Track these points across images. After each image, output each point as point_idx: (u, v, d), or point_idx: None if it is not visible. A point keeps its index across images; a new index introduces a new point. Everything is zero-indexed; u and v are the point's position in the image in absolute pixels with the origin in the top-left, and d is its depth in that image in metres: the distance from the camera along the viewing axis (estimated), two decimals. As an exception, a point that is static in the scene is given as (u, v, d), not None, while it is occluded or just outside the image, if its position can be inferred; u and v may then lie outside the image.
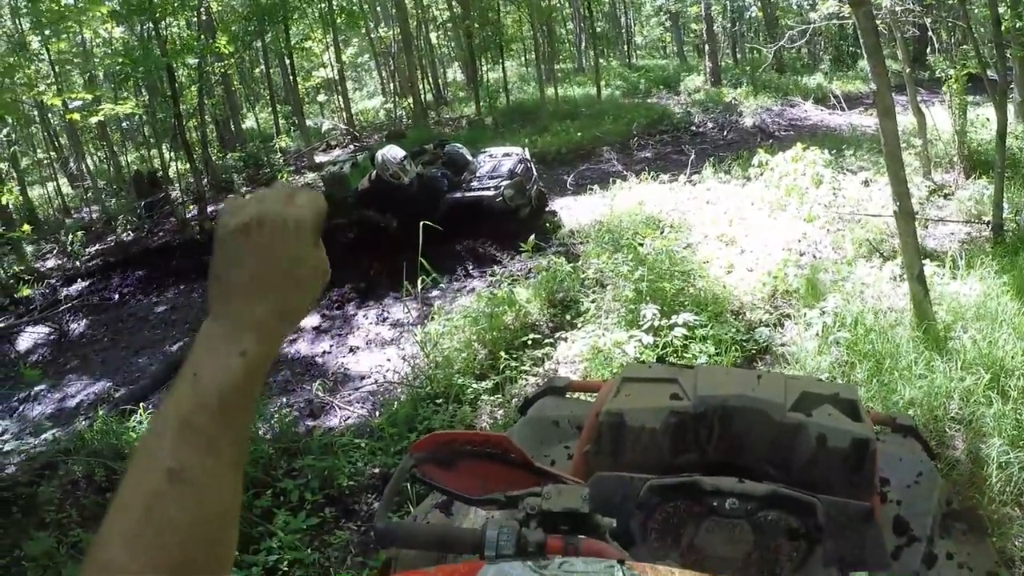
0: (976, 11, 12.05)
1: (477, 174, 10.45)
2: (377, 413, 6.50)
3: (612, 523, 1.52)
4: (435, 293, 8.65)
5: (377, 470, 5.64)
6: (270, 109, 23.36)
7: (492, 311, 7.34)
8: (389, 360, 7.62)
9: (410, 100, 21.17)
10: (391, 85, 26.64)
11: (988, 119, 12.71)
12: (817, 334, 6.37)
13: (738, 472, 2.14)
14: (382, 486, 5.52)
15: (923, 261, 6.67)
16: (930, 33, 16.40)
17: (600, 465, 2.25)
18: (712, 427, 2.23)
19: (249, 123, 25.13)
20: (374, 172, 10.13)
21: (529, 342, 7.01)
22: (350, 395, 7.15)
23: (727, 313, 7.19)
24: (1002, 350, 5.92)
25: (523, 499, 1.51)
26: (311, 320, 9.03)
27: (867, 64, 6.72)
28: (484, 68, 25.31)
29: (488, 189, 10.05)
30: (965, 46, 15.84)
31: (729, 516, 1.99)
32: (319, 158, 18.55)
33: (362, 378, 7.45)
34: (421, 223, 7.84)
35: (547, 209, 11.30)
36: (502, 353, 6.75)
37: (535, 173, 10.84)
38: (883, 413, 3.27)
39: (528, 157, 10.89)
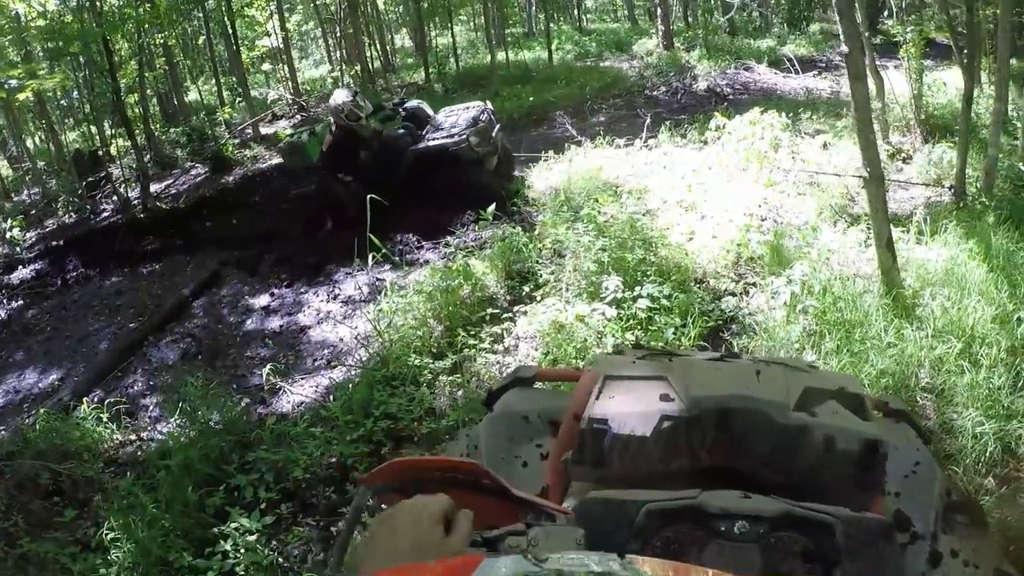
0: None
1: (439, 128, 10.07)
2: (331, 398, 6.23)
3: None
4: (387, 268, 8.32)
5: (334, 459, 5.39)
6: (214, 81, 22.75)
7: (447, 285, 7.06)
8: (342, 340, 7.39)
9: (358, 68, 20.75)
10: (338, 53, 26.07)
11: (945, 83, 12.82)
12: (785, 303, 6.24)
13: (736, 478, 1.98)
14: (340, 477, 5.28)
15: (890, 227, 6.52)
16: (883, -2, 16.35)
17: (581, 475, 2.09)
18: (707, 431, 2.06)
19: (193, 96, 24.46)
20: (332, 124, 9.77)
21: (487, 317, 6.80)
22: (303, 378, 6.87)
23: (691, 282, 7.06)
24: (971, 317, 5.85)
25: (503, 540, 1.37)
26: (260, 300, 8.72)
27: (828, 25, 6.58)
28: (433, 34, 24.95)
29: (451, 137, 9.69)
30: (919, 11, 15.90)
31: (737, 540, 1.79)
32: (264, 130, 18.10)
33: (315, 360, 7.17)
34: (369, 197, 7.55)
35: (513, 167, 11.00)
36: (459, 330, 6.54)
37: (497, 123, 10.51)
38: (874, 397, 3.09)
39: (490, 108, 10.54)
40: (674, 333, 6.16)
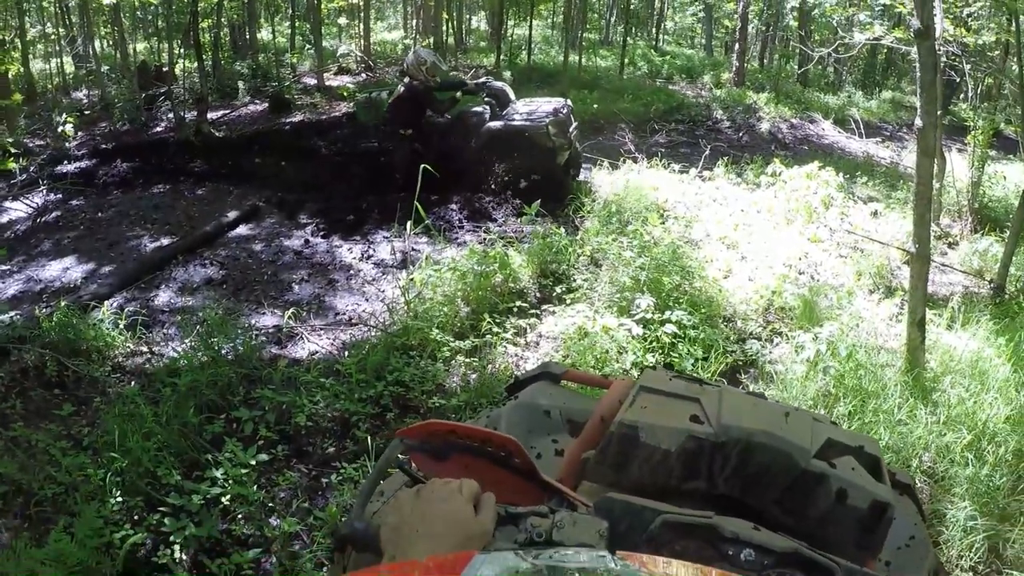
0: (1014, 68, 11.95)
1: (518, 112, 10.09)
2: (346, 354, 6.27)
3: None
4: (424, 239, 8.41)
5: (338, 414, 5.46)
6: (288, 23, 22.86)
7: (482, 269, 7.11)
8: (368, 300, 7.46)
9: (431, 40, 20.83)
10: (414, 21, 26.18)
11: (1005, 177, 12.80)
12: (808, 359, 6.24)
13: (745, 511, 1.98)
14: (341, 432, 5.35)
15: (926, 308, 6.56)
16: (961, 79, 16.30)
17: (599, 476, 2.11)
18: (729, 459, 2.08)
19: (265, 34, 24.61)
20: (406, 79, 9.85)
21: (515, 309, 6.86)
22: (322, 329, 6.92)
23: (719, 318, 7.11)
24: (986, 412, 5.87)
25: (526, 518, 1.40)
26: (294, 243, 8.83)
27: (908, 96, 6.62)
28: (510, 22, 24.98)
29: (531, 122, 9.72)
30: (995, 100, 15.87)
31: (742, 568, 1.80)
32: (330, 82, 18.20)
33: (337, 314, 7.22)
34: (422, 166, 7.65)
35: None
36: (485, 315, 6.59)
37: (575, 122, 10.57)
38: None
39: (570, 104, 10.59)
40: (694, 364, 6.19)
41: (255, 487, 4.64)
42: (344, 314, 7.22)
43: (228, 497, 4.51)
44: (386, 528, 1.30)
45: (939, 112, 11.19)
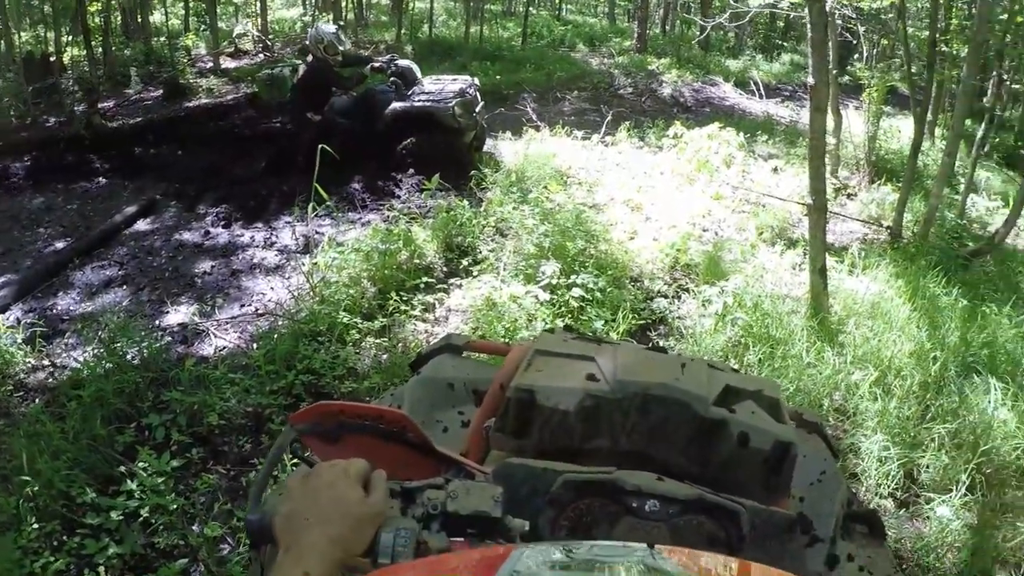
0: (912, 31, 12.31)
1: (425, 91, 9.92)
2: (255, 346, 6.09)
3: (525, 526, 1.42)
4: (327, 222, 8.23)
5: (250, 409, 5.28)
6: (182, 4, 22.18)
7: (386, 248, 7.01)
8: (273, 288, 7.25)
9: (330, 16, 20.45)
10: (313, -3, 25.62)
11: (900, 131, 13.19)
12: (716, 312, 6.37)
13: (651, 464, 2.01)
14: (255, 427, 5.19)
15: (826, 255, 6.75)
16: (857, 41, 16.70)
17: (501, 444, 2.10)
18: (629, 414, 2.08)
19: (158, 17, 23.83)
20: (309, 56, 9.62)
21: (422, 285, 6.76)
22: (228, 323, 6.68)
23: (626, 279, 7.15)
24: (890, 350, 6.13)
25: (422, 491, 1.40)
26: (194, 236, 8.57)
27: (796, 56, 6.77)
28: (412, -4, 24.70)
29: (438, 102, 9.57)
30: (890, 59, 16.32)
31: (648, 518, 1.83)
32: (227, 64, 17.73)
33: (242, 305, 6.98)
34: (320, 147, 7.47)
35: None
36: (392, 294, 6.48)
37: (481, 101, 10.47)
38: (789, 407, 3.20)
39: (476, 83, 10.46)
40: (603, 325, 6.22)
41: (173, 495, 4.44)
42: (250, 305, 6.97)
43: (147, 509, 4.30)
44: (279, 518, 1.27)
45: (835, 72, 11.49)
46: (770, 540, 1.88)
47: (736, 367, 5.55)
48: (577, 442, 2.07)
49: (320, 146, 7.33)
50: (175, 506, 4.36)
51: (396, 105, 9.59)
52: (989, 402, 5.74)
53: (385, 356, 5.80)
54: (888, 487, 5.04)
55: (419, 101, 9.64)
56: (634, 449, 2.08)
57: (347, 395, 5.34)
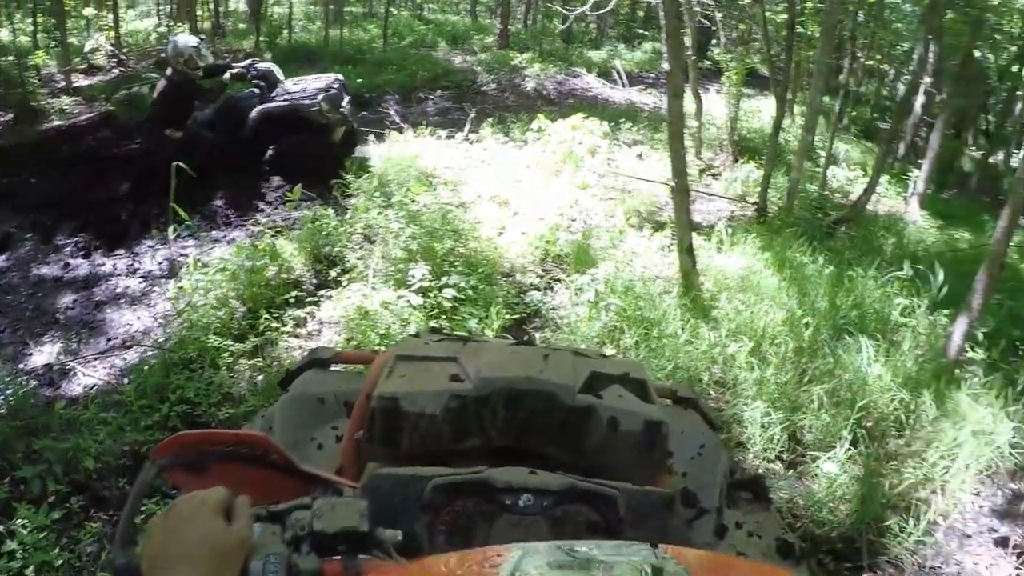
0: (770, 15, 12.64)
1: (288, 92, 9.56)
2: (126, 380, 5.78)
3: (398, 535, 1.40)
4: (191, 243, 7.89)
5: (127, 448, 5.00)
6: (31, 20, 21.11)
7: (252, 265, 6.77)
8: (140, 318, 6.90)
9: (186, 26, 19.79)
10: (168, 7, 24.78)
11: (760, 111, 13.54)
12: (589, 300, 6.41)
13: (526, 457, 2.00)
14: (134, 466, 4.87)
15: (692, 234, 6.88)
16: (715, 27, 17.08)
17: (373, 455, 2.05)
18: (497, 411, 2.08)
19: (4, 34, 22.68)
20: (168, 69, 9.12)
21: (291, 300, 6.56)
22: (96, 359, 6.31)
23: (498, 275, 7.13)
24: (763, 320, 6.32)
25: (289, 514, 1.36)
26: (53, 270, 8.09)
27: (657, 45, 6.86)
28: (270, 1, 24.11)
29: (303, 100, 9.25)
30: (747, 43, 16.77)
31: (524, 513, 1.81)
32: (80, 82, 16.95)
33: (109, 339, 6.61)
34: (174, 165, 7.16)
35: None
36: (262, 312, 6.27)
37: (347, 96, 10.18)
38: (664, 385, 3.28)
39: (341, 79, 10.19)
40: (478, 323, 6.18)
41: (58, 549, 4.20)
42: (117, 338, 6.61)
43: (32, 568, 4.07)
44: (145, 559, 1.21)
45: (693, 58, 11.70)
46: (650, 519, 1.88)
47: (606, 352, 5.63)
48: (448, 444, 2.07)
49: (174, 164, 7.03)
50: (60, 561, 4.14)
51: (262, 107, 9.23)
52: (862, 360, 6.02)
53: (260, 377, 5.62)
54: (774, 451, 5.20)
55: (284, 101, 9.30)
56: (507, 445, 2.09)
57: (225, 422, 5.17)
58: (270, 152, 9.13)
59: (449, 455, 2.03)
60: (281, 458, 1.62)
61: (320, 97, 9.20)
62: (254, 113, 9.19)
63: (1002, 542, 5.09)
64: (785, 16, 10.94)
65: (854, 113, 17.81)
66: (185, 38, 9.26)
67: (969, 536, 5.13)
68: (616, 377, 2.27)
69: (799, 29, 12.37)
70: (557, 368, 2.21)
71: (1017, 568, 4.88)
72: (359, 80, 15.52)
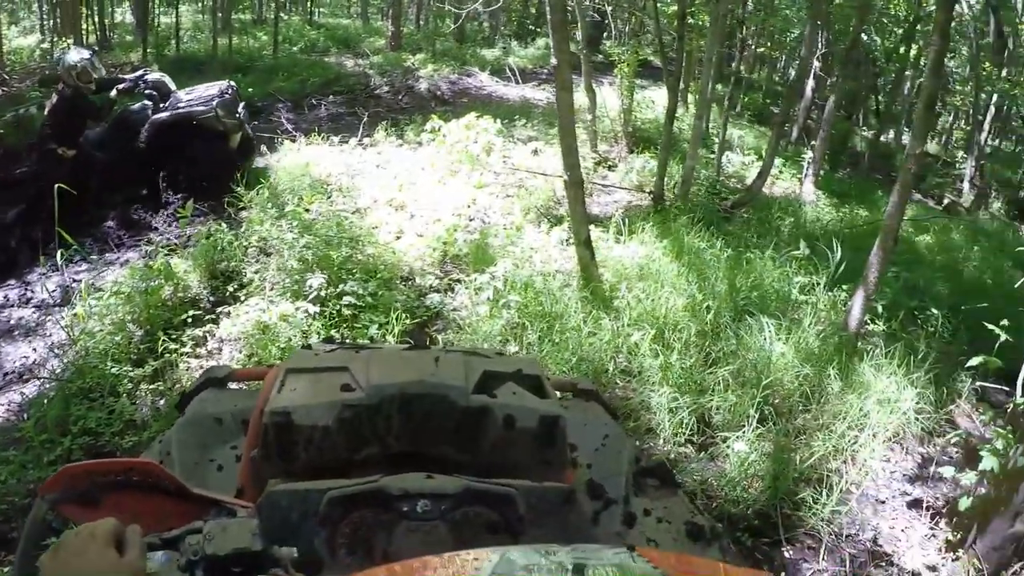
0: (661, 7, 12.77)
1: (182, 100, 9.17)
2: (25, 416, 5.54)
3: (293, 553, 1.40)
4: (84, 267, 7.61)
5: (32, 486, 4.73)
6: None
7: (147, 286, 6.52)
8: (35, 350, 6.59)
9: (71, 41, 19.10)
10: (51, 22, 23.89)
11: (654, 101, 13.66)
12: (488, 299, 6.38)
13: (426, 462, 2.02)
14: None
15: (589, 227, 6.90)
16: (607, 20, 17.21)
17: (271, 471, 2.03)
18: (391, 417, 2.10)
19: None
20: (59, 85, 8.67)
21: (189, 319, 6.33)
22: None
23: (397, 279, 7.05)
24: (664, 307, 6.37)
25: (183, 539, 1.36)
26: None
27: (550, 40, 6.85)
28: (157, 11, 23.44)
29: (198, 107, 8.88)
30: (639, 35, 16.94)
31: (422, 519, 1.82)
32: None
33: (5, 374, 6.31)
34: (56, 186, 6.82)
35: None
36: (160, 334, 6.04)
37: (242, 101, 9.85)
38: (564, 378, 3.35)
39: (234, 85, 9.82)
40: (379, 329, 6.09)
41: None
42: (13, 372, 6.31)
43: None
44: None
45: (585, 51, 11.73)
46: (551, 516, 1.90)
47: (506, 350, 5.61)
48: (346, 455, 2.08)
49: (56, 186, 6.72)
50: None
51: (155, 117, 8.86)
52: (765, 339, 6.11)
53: (163, 401, 5.44)
54: (684, 435, 5.26)
55: (179, 109, 8.94)
56: (406, 450, 2.11)
57: (129, 450, 4.96)
58: (168, 166, 8.79)
59: (348, 466, 2.02)
60: (173, 483, 1.62)
61: (215, 103, 8.90)
62: (149, 123, 8.84)
63: (915, 504, 5.23)
64: (676, 7, 11.05)
65: (747, 99, 18.12)
66: (77, 51, 8.89)
67: (883, 502, 5.25)
68: (510, 375, 2.30)
69: (690, 20, 12.52)
70: (449, 369, 2.23)
71: (931, 528, 4.98)
72: (250, 89, 15.15)
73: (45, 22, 24.41)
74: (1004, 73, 16.60)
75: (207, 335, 6.24)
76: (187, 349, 5.98)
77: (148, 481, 1.61)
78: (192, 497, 1.61)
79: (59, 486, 1.61)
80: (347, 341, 5.12)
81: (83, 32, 20.23)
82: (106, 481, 1.61)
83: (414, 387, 2.11)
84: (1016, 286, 6.73)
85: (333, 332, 6.02)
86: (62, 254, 6.89)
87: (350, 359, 2.31)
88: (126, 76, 9.54)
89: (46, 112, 8.70)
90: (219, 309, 6.57)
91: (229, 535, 1.33)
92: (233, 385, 2.99)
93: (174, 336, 6.05)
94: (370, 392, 2.10)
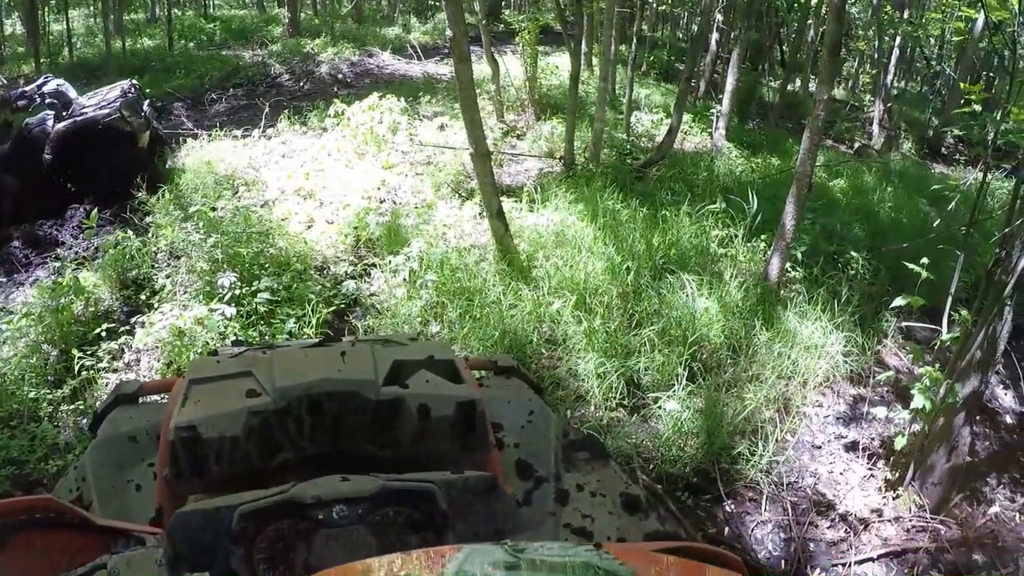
0: None
1: (85, 105, 8.82)
2: None
3: None
4: (-9, 291, 7.27)
5: None
6: None
7: (58, 304, 6.25)
8: None
9: (-41, 59, 18.34)
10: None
11: (558, 67, 13.58)
12: (405, 280, 6.30)
13: (346, 461, 1.95)
14: None
15: (501, 198, 6.81)
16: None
17: (187, 489, 1.94)
18: (301, 419, 2.02)
19: None
20: None
21: (103, 333, 6.09)
22: None
23: (311, 270, 6.88)
24: (583, 272, 6.31)
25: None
26: None
27: (445, 14, 6.72)
28: (47, 19, 22.60)
29: (102, 110, 8.52)
30: (537, 2, 16.83)
31: (341, 525, 1.71)
32: None
33: None
34: None
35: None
36: (75, 351, 5.78)
37: (146, 100, 9.47)
38: (482, 357, 3.40)
39: (136, 84, 9.50)
40: (296, 323, 5.95)
41: None
42: None
43: None
44: None
45: (484, 21, 11.58)
46: (475, 506, 1.84)
47: (438, 331, 5.51)
48: (260, 463, 2.00)
49: None
50: None
51: (59, 127, 8.46)
52: (687, 296, 6.10)
53: (84, 421, 5.23)
54: (614, 399, 5.24)
55: (84, 115, 8.59)
56: (322, 451, 2.04)
57: (56, 475, 4.73)
58: (75, 177, 8.42)
59: (264, 474, 1.96)
60: (76, 516, 1.56)
61: (119, 104, 8.57)
62: (52, 134, 8.44)
63: (852, 447, 5.26)
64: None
65: (651, 58, 18.09)
66: None
67: (819, 447, 5.29)
68: (421, 362, 2.24)
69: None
70: (357, 363, 2.17)
71: (870, 469, 5.01)
72: (148, 89, 14.68)
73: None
74: (906, 15, 16.83)
75: (123, 347, 6.03)
76: (104, 364, 5.81)
77: (51, 517, 1.54)
78: (99, 528, 1.54)
79: None
80: (256, 343, 4.98)
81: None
82: (12, 521, 1.53)
83: (320, 385, 2.04)
84: (935, 225, 6.79)
85: (251, 331, 5.86)
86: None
87: (254, 362, 2.24)
88: (25, 88, 9.13)
89: None
90: (133, 319, 6.34)
91: (134, 568, 1.29)
92: (146, 398, 2.85)
93: (90, 352, 5.85)
94: (276, 395, 2.03)
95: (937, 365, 4.98)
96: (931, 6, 18.94)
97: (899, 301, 5.14)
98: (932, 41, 19.65)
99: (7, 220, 7.85)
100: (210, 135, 10.89)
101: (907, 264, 5.45)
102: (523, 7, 23.62)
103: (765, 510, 4.68)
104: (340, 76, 15.62)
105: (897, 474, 4.86)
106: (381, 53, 17.54)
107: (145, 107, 9.16)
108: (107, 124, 8.46)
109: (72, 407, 5.38)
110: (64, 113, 8.69)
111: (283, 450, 2.02)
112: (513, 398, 2.61)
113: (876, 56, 17.99)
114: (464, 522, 1.80)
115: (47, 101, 8.76)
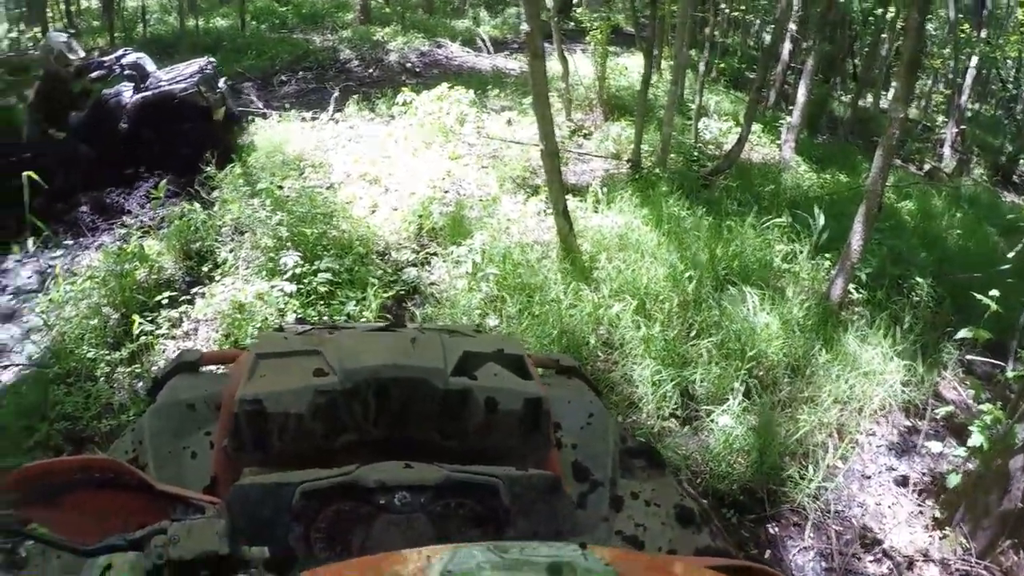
0: None
1: (162, 79, 8.97)
2: (3, 402, 5.42)
3: (264, 553, 1.31)
4: (59, 253, 7.45)
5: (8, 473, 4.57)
6: None
7: (121, 269, 6.41)
8: (12, 337, 6.44)
9: (38, 29, 18.74)
10: (17, 11, 23.42)
11: (627, 68, 13.52)
12: (466, 272, 6.29)
13: (407, 447, 1.93)
14: None
15: (567, 196, 6.79)
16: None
17: (246, 461, 1.93)
18: (368, 403, 2.00)
19: None
20: (42, 71, 8.45)
21: (164, 301, 6.19)
22: None
23: (373, 254, 6.93)
24: (645, 277, 6.27)
25: (148, 540, 1.26)
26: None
27: (522, 8, 6.73)
28: (123, -6, 23.03)
29: (179, 84, 8.69)
30: (609, 2, 16.77)
31: (402, 512, 1.71)
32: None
33: None
34: (25, 175, 6.66)
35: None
36: (135, 316, 5.90)
37: (222, 76, 9.64)
38: (545, 355, 3.36)
39: (213, 61, 9.66)
40: (355, 306, 5.99)
41: None
42: None
43: None
44: None
45: (556, 19, 11.55)
46: (536, 505, 1.83)
47: (487, 325, 5.48)
48: (323, 442, 2.01)
49: (26, 175, 6.63)
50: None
51: (136, 98, 8.65)
52: (748, 309, 6.02)
53: (140, 384, 5.33)
54: (668, 408, 5.19)
55: (161, 88, 8.75)
56: (387, 436, 2.02)
57: (108, 434, 4.87)
58: (151, 147, 8.58)
59: (325, 454, 1.93)
60: (135, 479, 1.54)
61: (196, 79, 8.74)
62: (130, 106, 8.63)
63: (902, 482, 5.13)
64: (650, -29, 10.92)
65: (722, 65, 17.92)
66: (55, 34, 8.68)
67: (869, 477, 5.17)
68: (490, 355, 2.21)
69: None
70: (426, 351, 2.15)
71: (918, 505, 4.89)
72: (219, 68, 14.94)
73: (10, 10, 23.96)
74: (983, 35, 16.47)
75: (183, 316, 6.13)
76: (163, 331, 5.88)
77: (109, 478, 1.52)
78: (157, 493, 1.51)
79: (17, 487, 1.50)
80: (319, 322, 5.02)
81: (49, 20, 19.90)
82: (66, 480, 1.52)
83: (389, 371, 2.02)
84: (1010, 255, 6.60)
85: (310, 310, 5.92)
86: (33, 241, 6.76)
87: (322, 342, 2.22)
88: (104, 59, 9.31)
89: (30, 98, 8.46)
90: (194, 290, 6.45)
91: (195, 537, 1.25)
92: (206, 368, 2.85)
93: (150, 318, 5.94)
94: (343, 376, 2.00)
95: (999, 404, 4.85)
96: (1008, 27, 18.50)
97: (964, 333, 5.02)
98: (1009, 63, 19.25)
99: (80, 187, 8.00)
100: (279, 116, 11.00)
101: (975, 294, 5.33)
102: (594, 5, 23.53)
103: (809, 536, 4.60)
104: (409, 65, 15.68)
105: (946, 513, 4.74)
106: (450, 44, 17.56)
107: (221, 84, 9.29)
108: (184, 98, 8.60)
109: (128, 370, 5.46)
110: (142, 85, 8.82)
111: (347, 431, 2.01)
112: (573, 399, 2.56)
113: (951, 76, 17.60)
114: (525, 519, 1.79)
115: (125, 73, 8.90)
